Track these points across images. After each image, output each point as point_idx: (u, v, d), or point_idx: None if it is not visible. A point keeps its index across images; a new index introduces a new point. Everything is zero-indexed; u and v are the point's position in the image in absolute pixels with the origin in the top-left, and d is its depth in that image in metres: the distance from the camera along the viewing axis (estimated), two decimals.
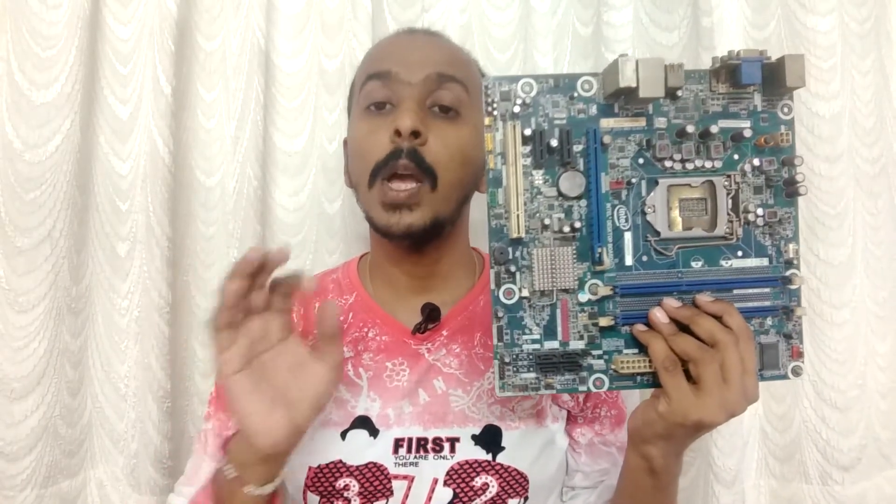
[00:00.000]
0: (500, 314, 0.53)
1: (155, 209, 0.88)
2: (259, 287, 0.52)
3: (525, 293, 0.53)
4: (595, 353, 0.54)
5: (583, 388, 0.54)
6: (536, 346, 0.53)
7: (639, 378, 0.54)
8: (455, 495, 0.64)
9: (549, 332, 0.53)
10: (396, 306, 0.71)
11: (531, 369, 0.53)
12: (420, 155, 0.63)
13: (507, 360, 0.53)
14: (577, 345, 0.53)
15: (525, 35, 0.96)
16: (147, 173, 0.89)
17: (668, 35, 0.95)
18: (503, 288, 0.53)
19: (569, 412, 0.71)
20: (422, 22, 0.96)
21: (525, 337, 0.53)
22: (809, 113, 0.90)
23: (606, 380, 0.54)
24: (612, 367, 0.53)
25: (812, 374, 0.92)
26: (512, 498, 0.65)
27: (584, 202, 0.53)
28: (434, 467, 0.64)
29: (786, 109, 0.54)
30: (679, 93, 0.53)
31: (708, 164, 0.53)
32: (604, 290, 0.53)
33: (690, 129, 0.52)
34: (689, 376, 0.51)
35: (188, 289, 0.94)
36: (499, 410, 0.66)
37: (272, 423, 0.52)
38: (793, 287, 0.54)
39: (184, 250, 0.93)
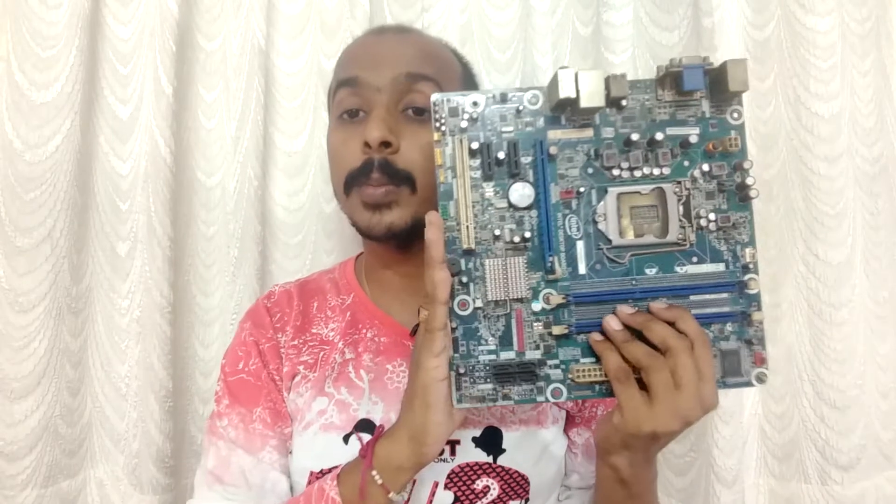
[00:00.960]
0: (455, 325, 0.53)
1: (157, 209, 0.88)
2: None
3: (479, 304, 0.53)
4: (552, 362, 0.53)
5: (541, 398, 0.53)
6: (493, 356, 0.53)
7: (597, 387, 0.53)
8: (456, 498, 0.63)
9: (505, 342, 0.53)
10: (393, 307, 0.70)
11: (488, 380, 0.53)
12: (392, 165, 0.63)
13: (461, 371, 0.53)
14: (533, 355, 0.53)
15: (525, 35, 0.96)
16: (148, 173, 0.89)
17: (669, 35, 0.95)
18: (457, 299, 0.53)
19: (568, 413, 0.70)
20: (421, 22, 0.96)
21: (481, 348, 0.53)
22: (809, 113, 0.90)
23: (564, 389, 0.53)
24: (570, 376, 0.53)
25: (811, 373, 0.92)
26: (513, 500, 0.64)
27: (534, 212, 0.53)
28: (434, 470, 0.63)
29: (735, 114, 0.53)
30: (624, 102, 0.52)
31: (656, 172, 0.53)
32: (557, 300, 0.53)
33: (635, 137, 0.52)
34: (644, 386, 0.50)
35: (189, 288, 0.94)
36: (499, 412, 0.66)
37: (445, 434, 0.53)
38: (751, 292, 0.53)
39: (185, 250, 0.93)
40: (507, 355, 0.53)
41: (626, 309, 0.52)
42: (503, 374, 0.53)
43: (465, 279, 0.53)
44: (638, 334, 0.51)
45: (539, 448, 0.66)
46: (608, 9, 0.94)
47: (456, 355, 0.53)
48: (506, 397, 0.53)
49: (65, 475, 0.90)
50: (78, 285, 0.91)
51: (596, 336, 0.52)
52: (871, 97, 0.92)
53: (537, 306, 0.53)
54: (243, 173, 0.93)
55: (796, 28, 0.91)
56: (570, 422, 0.71)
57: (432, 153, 0.63)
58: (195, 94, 0.94)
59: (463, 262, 0.53)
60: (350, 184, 0.64)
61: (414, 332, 0.67)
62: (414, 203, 0.64)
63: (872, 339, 0.93)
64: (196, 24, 0.93)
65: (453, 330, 0.53)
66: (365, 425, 0.64)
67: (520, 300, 0.53)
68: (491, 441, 0.65)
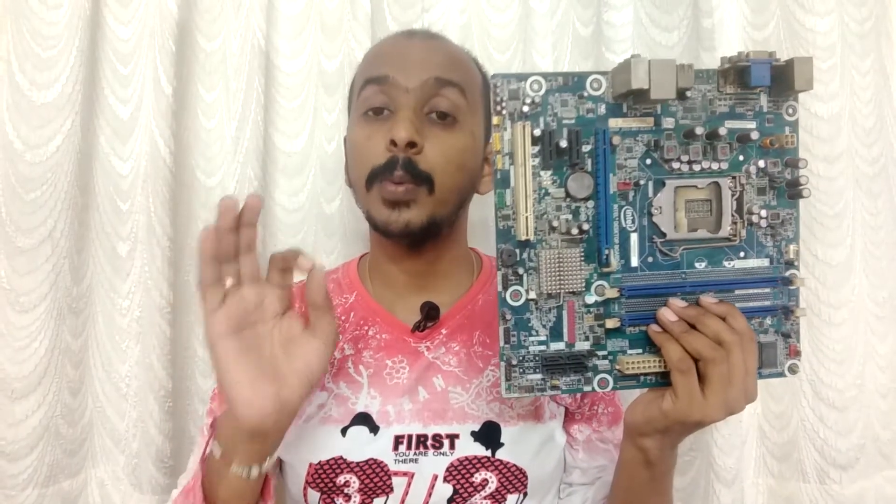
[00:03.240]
0: (508, 316, 0.52)
1: (156, 209, 0.88)
2: (247, 249, 0.52)
3: (532, 295, 0.52)
4: (600, 353, 0.53)
5: (587, 388, 0.53)
6: (543, 347, 0.53)
7: (643, 378, 0.54)
8: (455, 491, 0.64)
9: (556, 333, 0.53)
10: (396, 305, 0.71)
11: (537, 370, 0.53)
12: (415, 164, 0.64)
13: (513, 362, 0.53)
14: (582, 346, 0.53)
15: (525, 36, 0.96)
16: (148, 173, 0.89)
17: (668, 35, 0.95)
18: (510, 290, 0.52)
19: (566, 409, 0.71)
20: (421, 22, 0.96)
21: (531, 339, 0.53)
22: (809, 113, 0.90)
23: (611, 380, 0.54)
24: (617, 367, 0.53)
25: (810, 373, 0.92)
26: (511, 493, 0.65)
27: (591, 203, 0.52)
28: (434, 463, 0.65)
29: (790, 110, 0.53)
30: (688, 93, 0.52)
31: (714, 166, 0.53)
32: (610, 293, 0.53)
33: (699, 130, 0.51)
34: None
35: (189, 288, 0.94)
36: (497, 407, 0.67)
37: (258, 395, 0.50)
38: (792, 287, 0.54)
39: (185, 250, 0.93)
40: (557, 346, 0.53)
41: (678, 302, 0.52)
42: (553, 365, 0.53)
43: (519, 270, 0.52)
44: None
45: (537, 443, 0.68)
46: (608, 9, 0.94)
47: (506, 346, 0.53)
48: (554, 387, 0.53)
49: (66, 475, 0.90)
50: (78, 285, 0.91)
51: (655, 327, 0.53)
52: (871, 97, 0.92)
53: (590, 299, 0.53)
54: (243, 173, 0.93)
55: (796, 28, 0.91)
56: (569, 418, 0.72)
57: (453, 157, 0.66)
58: (195, 94, 0.94)
59: (518, 252, 0.52)
60: (372, 179, 0.65)
61: (415, 328, 0.69)
62: (430, 204, 0.65)
63: (871, 340, 0.93)
64: (196, 24, 0.93)
65: (506, 320, 0.52)
66: (363, 418, 0.66)
67: (573, 293, 0.53)
68: (489, 435, 0.66)
